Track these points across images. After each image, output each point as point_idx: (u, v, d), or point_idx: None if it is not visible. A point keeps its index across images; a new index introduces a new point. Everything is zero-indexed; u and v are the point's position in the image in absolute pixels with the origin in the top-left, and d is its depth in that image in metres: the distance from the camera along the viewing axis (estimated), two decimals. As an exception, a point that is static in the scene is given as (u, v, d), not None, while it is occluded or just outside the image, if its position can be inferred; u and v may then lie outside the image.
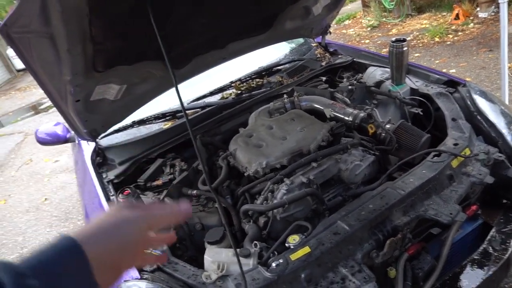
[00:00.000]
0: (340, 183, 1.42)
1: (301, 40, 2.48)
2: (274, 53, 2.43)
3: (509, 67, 3.58)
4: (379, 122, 1.56)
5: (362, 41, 6.10)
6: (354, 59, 2.19)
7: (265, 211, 1.26)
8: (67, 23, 0.96)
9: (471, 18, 5.13)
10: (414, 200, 1.21)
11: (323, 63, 2.20)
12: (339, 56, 2.29)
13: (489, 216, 1.38)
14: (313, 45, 2.41)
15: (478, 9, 5.12)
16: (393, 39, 1.80)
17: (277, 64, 2.29)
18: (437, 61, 4.34)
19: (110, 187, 1.49)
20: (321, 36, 2.35)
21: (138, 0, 1.05)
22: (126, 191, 1.28)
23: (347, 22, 7.57)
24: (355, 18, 7.57)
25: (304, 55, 2.38)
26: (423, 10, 6.38)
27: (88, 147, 1.72)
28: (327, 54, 2.30)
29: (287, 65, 2.25)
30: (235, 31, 1.68)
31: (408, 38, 5.43)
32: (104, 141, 1.75)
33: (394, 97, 1.76)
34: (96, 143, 1.66)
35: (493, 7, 5.03)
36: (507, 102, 2.36)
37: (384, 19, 6.65)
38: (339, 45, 2.43)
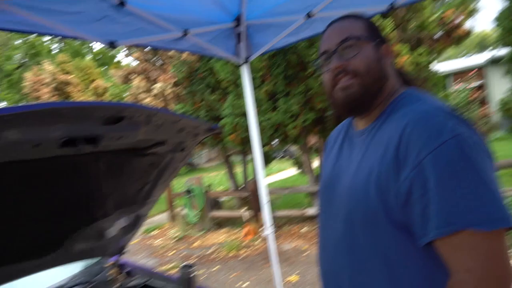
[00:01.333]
0: None
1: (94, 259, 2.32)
2: (59, 274, 2.15)
3: (287, 281, 4.20)
4: None
5: (167, 253, 6.20)
6: (149, 281, 2.15)
7: None
8: None
9: (257, 235, 6.11)
10: None
11: (115, 286, 2.06)
12: (134, 278, 2.21)
13: None
14: (107, 265, 2.28)
15: (261, 228, 6.22)
16: (182, 264, 1.91)
17: (59, 289, 2.00)
18: (233, 275, 4.71)
19: None
20: (116, 256, 2.27)
21: None
22: None
23: (154, 232, 7.76)
24: (162, 229, 7.88)
25: (95, 276, 2.19)
26: (222, 225, 7.29)
27: None
28: (121, 275, 2.19)
29: (71, 290, 1.99)
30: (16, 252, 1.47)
31: (209, 251, 5.88)
32: None
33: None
34: None
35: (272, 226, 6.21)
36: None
37: (189, 231, 7.17)
38: (134, 266, 2.38)
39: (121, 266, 2.30)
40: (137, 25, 1.66)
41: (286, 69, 4.88)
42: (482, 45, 28.12)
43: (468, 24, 5.93)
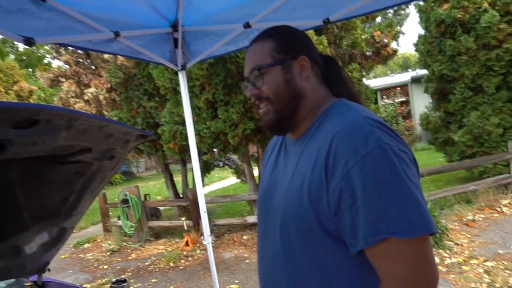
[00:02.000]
0: None
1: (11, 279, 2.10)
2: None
3: (228, 290, 4.15)
4: None
5: (101, 267, 5.82)
6: (75, 300, 1.99)
7: None
8: None
9: (198, 245, 5.99)
10: None
11: (35, 308, 1.87)
12: (58, 297, 2.03)
13: None
14: (26, 284, 2.07)
15: (202, 237, 6.11)
16: (114, 279, 1.80)
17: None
18: (172, 287, 4.55)
19: None
20: (37, 275, 2.07)
21: None
22: None
23: (86, 245, 7.24)
24: (95, 242, 7.38)
25: (12, 299, 1.97)
26: (160, 236, 7.03)
27: None
28: (42, 296, 2.00)
29: (-19, 316, 1.77)
30: None
31: (146, 263, 5.63)
32: None
33: None
34: None
35: (212, 236, 6.14)
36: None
37: (124, 243, 6.80)
38: (59, 284, 2.19)
39: (43, 285, 2.10)
40: (60, 23, 1.54)
41: (225, 78, 4.89)
42: (405, 65, 30.91)
43: (393, 45, 6.47)
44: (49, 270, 2.10)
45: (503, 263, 3.73)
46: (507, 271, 3.54)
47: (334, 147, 0.78)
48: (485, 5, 6.02)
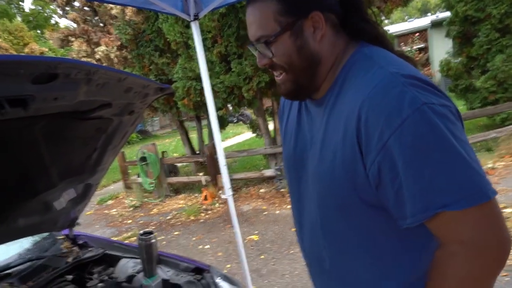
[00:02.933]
0: None
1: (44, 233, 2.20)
2: (6, 251, 2.01)
3: (248, 240, 4.31)
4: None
5: (125, 221, 6.09)
6: (106, 252, 2.08)
7: None
8: None
9: (216, 199, 6.16)
10: None
11: (70, 259, 1.97)
12: (90, 249, 2.13)
13: None
14: (59, 238, 2.17)
15: (220, 191, 6.26)
16: (141, 232, 1.85)
17: (5, 267, 1.87)
18: (194, 238, 4.75)
19: None
20: (68, 229, 2.17)
21: None
22: None
23: (109, 202, 7.54)
24: (117, 198, 7.68)
25: (47, 250, 2.08)
26: (180, 191, 7.25)
27: None
28: (75, 248, 2.10)
29: (20, 267, 1.87)
30: None
31: (168, 217, 5.86)
32: None
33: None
34: None
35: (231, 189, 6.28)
36: (247, 273, 2.72)
37: (146, 199, 7.05)
38: (89, 237, 2.29)
39: (74, 239, 2.20)
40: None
41: (238, 30, 4.71)
42: (424, 9, 29.16)
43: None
44: (78, 224, 2.19)
45: None
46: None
47: (364, 117, 0.69)
48: None
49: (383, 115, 0.67)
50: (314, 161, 0.84)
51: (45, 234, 2.23)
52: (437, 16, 14.41)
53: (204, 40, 4.89)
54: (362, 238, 0.79)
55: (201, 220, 5.44)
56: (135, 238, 4.66)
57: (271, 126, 6.48)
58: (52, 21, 23.81)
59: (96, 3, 7.46)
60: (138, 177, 7.32)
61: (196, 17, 2.30)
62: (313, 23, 0.78)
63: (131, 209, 6.72)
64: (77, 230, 2.25)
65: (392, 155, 0.66)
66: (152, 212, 6.34)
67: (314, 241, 0.90)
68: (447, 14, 7.05)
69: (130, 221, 6.06)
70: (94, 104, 1.21)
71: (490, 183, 0.66)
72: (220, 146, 2.72)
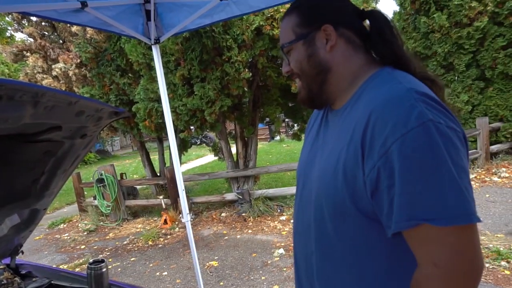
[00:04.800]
0: None
1: (-18, 263, 2.02)
2: None
3: (208, 266, 4.21)
4: None
5: (78, 247, 5.74)
6: (52, 282, 1.95)
7: None
8: None
9: (176, 223, 5.99)
10: None
11: (9, 291, 1.82)
12: (34, 279, 1.98)
13: None
14: (-2, 268, 2.01)
15: (180, 215, 6.11)
16: (91, 260, 1.77)
17: None
18: (151, 264, 4.56)
19: None
20: (9, 257, 2.01)
21: None
22: None
23: (62, 226, 7.10)
24: (71, 222, 7.25)
25: (-17, 282, 1.91)
26: (138, 215, 6.98)
27: None
28: (16, 279, 1.94)
29: (-50, 301, 1.71)
30: None
31: (125, 242, 5.60)
32: None
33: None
34: None
35: (191, 214, 6.15)
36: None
37: (101, 223, 6.72)
38: (34, 266, 2.14)
39: (17, 268, 2.04)
40: (22, -9, 1.42)
41: (201, 54, 4.75)
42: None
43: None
44: (22, 252, 2.04)
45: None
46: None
47: (372, 123, 0.72)
48: (459, -18, 6.08)
49: (391, 123, 0.69)
50: (319, 165, 0.88)
51: (-17, 264, 2.06)
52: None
53: (167, 62, 4.89)
54: (349, 247, 0.80)
55: (160, 245, 5.25)
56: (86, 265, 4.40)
57: (233, 149, 6.49)
58: (7, 34, 22.76)
59: (56, 19, 7.25)
60: (94, 199, 6.99)
61: (157, 41, 2.31)
62: (326, 35, 0.86)
63: (85, 233, 6.37)
64: (20, 258, 2.10)
65: (392, 162, 0.68)
66: (107, 237, 6.04)
67: (306, 246, 0.92)
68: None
69: (83, 247, 5.72)
70: (42, 127, 1.17)
71: (475, 210, 0.68)
72: (179, 171, 2.69)
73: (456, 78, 6.57)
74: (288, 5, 4.66)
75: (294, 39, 0.89)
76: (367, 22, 0.91)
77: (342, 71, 0.87)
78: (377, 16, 0.88)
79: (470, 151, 6.25)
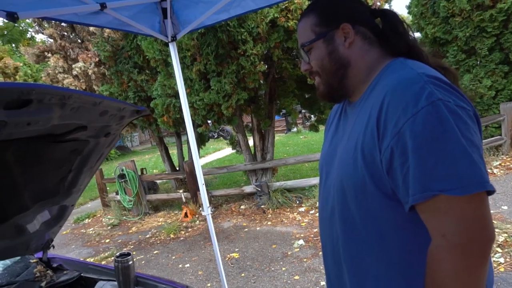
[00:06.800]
0: None
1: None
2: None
3: (229, 258, 4.28)
4: None
5: (103, 241, 5.93)
6: (82, 274, 2.03)
7: None
8: None
9: (196, 216, 6.10)
10: None
11: (43, 284, 1.92)
12: (64, 272, 2.07)
13: None
14: (32, 261, 2.11)
15: (200, 208, 6.20)
16: (117, 253, 1.83)
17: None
18: (174, 257, 4.67)
19: None
20: (42, 252, 2.11)
21: None
22: None
23: (86, 221, 7.34)
24: (95, 217, 7.48)
25: (19, 275, 2.01)
26: (159, 209, 7.14)
27: None
28: (49, 272, 2.04)
29: (-11, 294, 1.81)
30: None
31: (147, 236, 5.74)
32: None
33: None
34: None
35: (211, 207, 6.24)
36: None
37: (124, 217, 6.90)
38: (64, 259, 2.23)
39: (48, 262, 2.14)
40: (43, -5, 1.47)
41: (217, 48, 4.77)
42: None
43: (386, 7, 6.30)
44: (53, 247, 2.14)
45: (494, 222, 3.85)
46: (497, 230, 3.66)
47: (386, 106, 0.77)
48: (480, -37, 5.85)
49: (402, 104, 0.74)
50: (340, 152, 0.94)
51: (17, 258, 2.16)
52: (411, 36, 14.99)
53: (183, 58, 4.93)
54: (373, 226, 0.84)
55: (181, 238, 5.36)
56: (112, 258, 4.55)
57: (251, 142, 6.52)
58: (28, 35, 23.37)
59: (74, 19, 7.40)
60: (117, 194, 7.18)
61: (173, 38, 2.34)
62: (344, 33, 0.92)
63: (109, 227, 6.56)
64: (51, 252, 2.19)
65: (404, 141, 0.72)
66: (130, 231, 6.21)
67: (331, 230, 0.96)
68: (418, 34, 7.37)
69: (107, 240, 5.90)
70: (69, 127, 1.22)
71: (488, 179, 0.71)
72: (199, 165, 2.73)
73: (478, 62, 6.35)
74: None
75: (314, 38, 0.94)
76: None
77: (360, 65, 0.93)
78: (388, 13, 0.96)
79: (494, 138, 6.11)
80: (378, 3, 6.02)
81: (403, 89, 0.76)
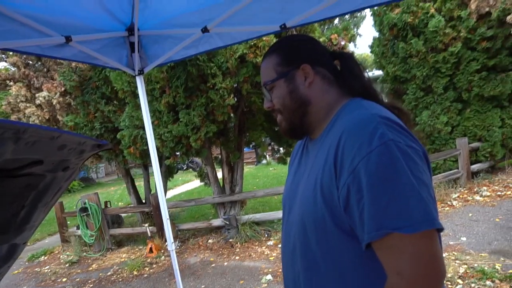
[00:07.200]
0: None
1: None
2: None
3: (194, 296, 4.10)
4: None
5: (59, 280, 5.54)
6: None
7: None
8: None
9: (162, 251, 5.86)
10: None
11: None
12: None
13: None
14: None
15: (166, 243, 5.99)
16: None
17: None
18: (136, 296, 4.42)
19: None
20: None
21: None
22: None
23: (42, 258, 6.86)
24: (52, 254, 7.01)
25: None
26: (123, 244, 6.81)
27: None
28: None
29: None
30: None
31: (109, 273, 5.43)
32: None
33: None
34: None
35: (177, 241, 6.04)
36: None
37: (84, 253, 6.52)
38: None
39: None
40: (5, 26, 1.45)
41: (186, 81, 4.82)
42: (363, 65, 32.06)
43: (351, 47, 6.69)
44: (-1, 289, 1.98)
45: (454, 254, 3.98)
46: (457, 261, 3.78)
47: (342, 144, 0.81)
48: (432, 10, 6.40)
49: (357, 143, 0.78)
50: (302, 187, 0.96)
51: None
52: (373, 73, 15.89)
53: (152, 90, 4.93)
54: (333, 263, 0.85)
55: (145, 275, 5.11)
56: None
57: (220, 174, 6.48)
58: (-9, 63, 22.56)
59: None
60: (78, 229, 6.81)
61: (141, 72, 2.35)
62: (304, 73, 0.97)
63: (67, 265, 6.15)
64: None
65: (359, 178, 0.76)
66: (91, 268, 5.85)
67: (293, 266, 0.96)
68: (381, 72, 7.82)
69: (64, 279, 5.51)
70: (23, 161, 1.17)
71: (437, 217, 0.74)
72: (164, 199, 2.67)
73: (435, 100, 6.79)
74: (268, 37, 4.76)
75: (276, 77, 0.99)
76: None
77: (320, 104, 0.97)
78: (345, 55, 1.02)
79: (452, 171, 6.42)
80: (342, 43, 6.38)
81: (358, 129, 0.80)
